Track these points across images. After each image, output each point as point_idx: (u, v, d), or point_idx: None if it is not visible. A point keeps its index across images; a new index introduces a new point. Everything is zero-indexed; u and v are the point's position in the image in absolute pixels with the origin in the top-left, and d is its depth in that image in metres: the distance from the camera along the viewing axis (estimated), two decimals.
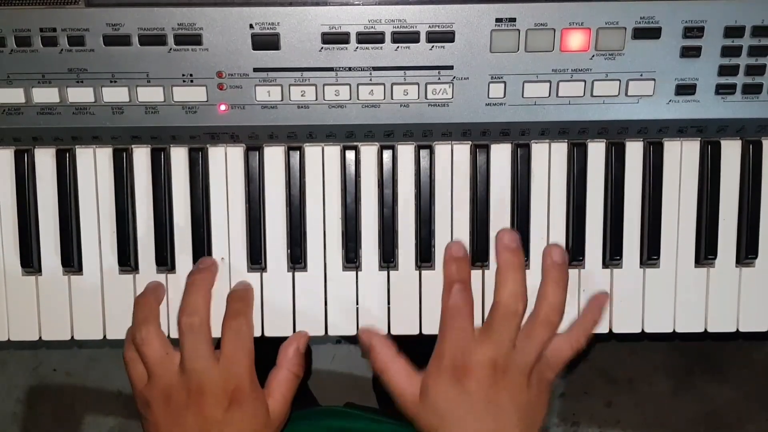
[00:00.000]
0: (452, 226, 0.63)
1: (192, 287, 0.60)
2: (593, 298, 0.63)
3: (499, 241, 0.60)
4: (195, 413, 0.57)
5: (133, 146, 0.62)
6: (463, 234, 0.63)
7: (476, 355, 0.57)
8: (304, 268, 0.63)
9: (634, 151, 0.63)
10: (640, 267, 0.64)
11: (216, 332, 0.60)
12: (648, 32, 0.58)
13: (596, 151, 0.63)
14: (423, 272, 0.64)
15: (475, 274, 0.63)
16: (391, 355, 0.60)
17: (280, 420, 0.61)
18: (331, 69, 0.59)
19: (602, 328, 0.64)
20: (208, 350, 0.58)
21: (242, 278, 0.63)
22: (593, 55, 0.59)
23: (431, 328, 0.63)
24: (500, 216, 0.63)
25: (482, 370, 0.57)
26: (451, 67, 0.59)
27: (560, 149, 0.63)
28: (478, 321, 0.61)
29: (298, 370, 0.61)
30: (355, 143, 0.62)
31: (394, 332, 0.64)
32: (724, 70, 0.59)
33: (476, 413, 0.57)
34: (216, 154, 0.63)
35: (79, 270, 0.63)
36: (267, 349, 0.64)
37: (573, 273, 0.64)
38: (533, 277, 0.62)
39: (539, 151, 0.63)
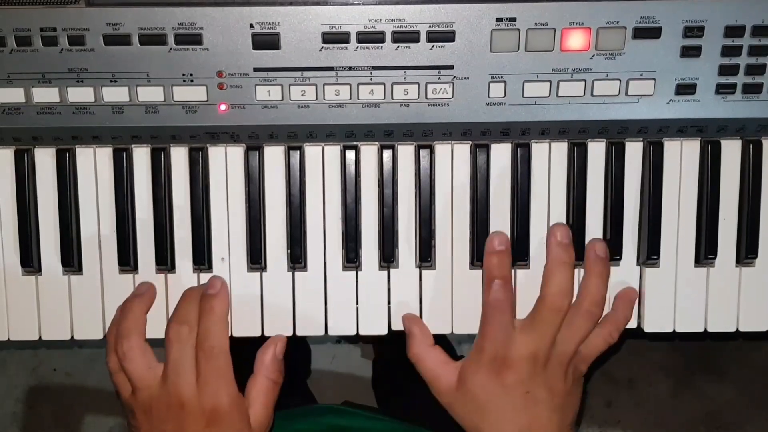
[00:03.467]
0: (452, 226, 0.63)
1: (188, 297, 0.60)
2: (623, 293, 0.63)
3: (552, 235, 0.61)
4: (175, 427, 0.57)
5: (133, 146, 0.62)
6: (463, 234, 0.63)
7: (517, 348, 0.58)
8: (304, 267, 0.63)
9: (634, 151, 0.63)
10: (640, 266, 0.64)
11: None
12: (648, 32, 0.58)
13: (596, 151, 0.63)
14: (423, 272, 0.64)
15: (476, 274, 0.63)
16: (428, 344, 0.62)
17: (262, 428, 0.60)
18: (331, 69, 0.59)
19: (630, 323, 0.64)
20: (191, 363, 0.58)
21: (242, 278, 0.63)
22: (593, 55, 0.59)
23: (432, 327, 0.63)
24: (500, 216, 0.63)
25: (522, 363, 0.58)
26: (451, 67, 0.59)
27: (560, 149, 0.63)
28: (477, 318, 0.61)
29: (277, 376, 0.61)
30: (355, 143, 0.62)
31: (393, 331, 0.64)
32: (724, 70, 0.59)
33: (514, 405, 0.58)
34: (216, 154, 0.63)
35: (79, 270, 0.63)
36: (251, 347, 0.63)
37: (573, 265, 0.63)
38: (533, 276, 0.62)
39: (539, 150, 0.63)
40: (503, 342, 0.58)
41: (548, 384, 0.58)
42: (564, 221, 0.63)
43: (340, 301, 0.64)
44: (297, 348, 1.28)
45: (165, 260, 0.63)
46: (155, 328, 0.61)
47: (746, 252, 0.63)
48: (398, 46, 0.58)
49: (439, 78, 0.59)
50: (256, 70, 0.59)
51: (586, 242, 0.63)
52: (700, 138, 0.63)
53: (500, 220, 0.63)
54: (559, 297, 0.59)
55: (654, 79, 0.59)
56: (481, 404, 0.59)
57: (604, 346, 0.61)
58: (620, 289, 0.63)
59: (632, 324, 0.64)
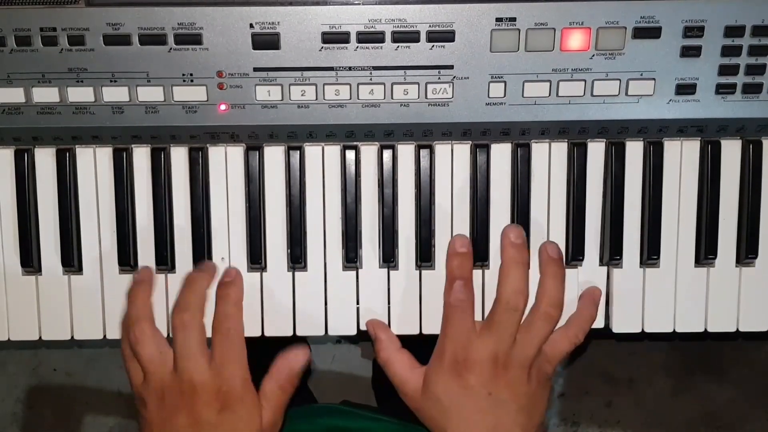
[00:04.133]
0: (452, 226, 0.63)
1: (187, 285, 0.60)
2: (586, 293, 0.63)
3: (505, 236, 0.61)
4: (187, 414, 0.57)
5: (133, 146, 0.62)
6: (463, 233, 0.63)
7: (477, 349, 0.58)
8: (304, 267, 0.63)
9: (634, 151, 0.63)
10: (640, 267, 0.64)
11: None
12: (648, 32, 0.58)
13: (596, 151, 0.63)
14: (423, 272, 0.64)
15: (476, 274, 0.63)
16: (395, 348, 0.62)
17: (273, 426, 0.60)
18: (331, 69, 0.59)
19: (597, 323, 0.64)
20: (200, 348, 0.58)
21: (243, 279, 0.63)
22: (593, 55, 0.59)
23: (431, 327, 0.63)
24: (500, 216, 0.63)
25: (483, 364, 0.58)
26: (451, 67, 0.59)
27: (560, 149, 0.63)
28: (478, 317, 0.61)
29: (290, 388, 0.61)
30: (355, 143, 0.62)
31: (394, 332, 0.64)
32: (724, 70, 0.59)
33: (477, 406, 0.58)
34: (216, 154, 0.63)
35: (79, 270, 0.63)
36: (267, 348, 0.64)
37: (573, 272, 0.64)
38: (531, 275, 0.62)
39: (539, 150, 0.63)
40: (464, 343, 0.58)
41: (510, 385, 0.58)
42: (564, 221, 0.63)
43: (340, 301, 0.64)
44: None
45: (165, 260, 0.63)
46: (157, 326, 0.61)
47: (746, 252, 0.63)
48: (398, 46, 0.58)
49: (439, 78, 0.59)
50: (256, 70, 0.59)
51: (586, 243, 0.63)
52: (700, 138, 0.63)
53: (500, 220, 0.63)
54: (513, 296, 0.59)
55: (654, 79, 0.59)
56: (446, 407, 0.59)
57: (569, 347, 0.61)
58: (584, 289, 0.63)
59: (635, 327, 0.64)
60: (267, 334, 0.64)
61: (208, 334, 0.60)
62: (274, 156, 0.62)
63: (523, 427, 0.59)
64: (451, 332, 0.59)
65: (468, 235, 0.63)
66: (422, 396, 0.60)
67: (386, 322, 0.64)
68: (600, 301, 0.64)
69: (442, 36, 0.58)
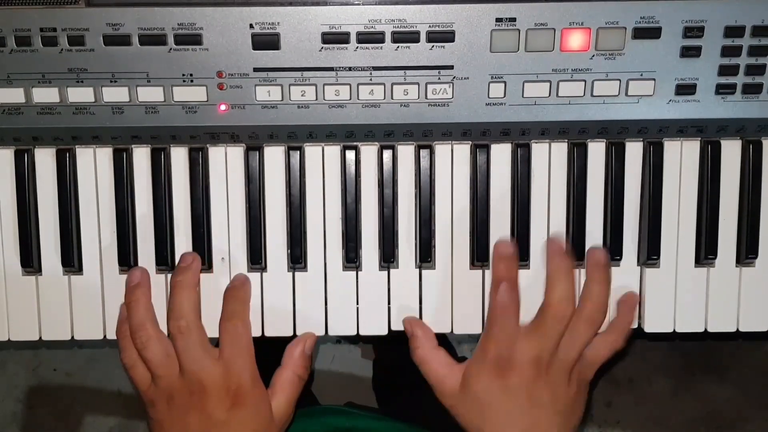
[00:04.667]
0: (452, 226, 0.63)
1: (175, 290, 0.60)
2: (625, 298, 0.63)
3: (550, 245, 0.61)
4: (198, 413, 0.58)
5: (133, 146, 0.62)
6: (463, 234, 0.63)
7: (521, 351, 0.58)
8: (304, 268, 0.63)
9: (634, 151, 0.63)
10: (640, 267, 0.64)
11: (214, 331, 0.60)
12: (648, 32, 0.58)
13: (596, 151, 0.63)
14: (423, 272, 0.64)
15: (476, 274, 0.63)
16: (431, 346, 0.62)
17: (284, 420, 0.61)
18: (331, 69, 0.59)
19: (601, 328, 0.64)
20: (202, 351, 0.58)
21: (250, 282, 0.63)
22: (593, 55, 0.59)
23: (432, 327, 0.63)
24: (500, 216, 0.63)
25: (526, 366, 0.58)
26: (451, 67, 0.59)
27: (560, 149, 0.63)
28: (475, 321, 0.61)
29: (303, 372, 0.62)
30: (355, 143, 0.62)
31: (394, 331, 0.64)
32: (724, 70, 0.59)
33: (517, 407, 0.58)
34: (216, 154, 0.63)
35: (79, 270, 0.63)
36: (269, 349, 0.64)
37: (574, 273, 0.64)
38: (532, 276, 0.63)
39: (539, 150, 0.63)
40: (507, 344, 0.59)
41: (551, 388, 0.59)
42: (564, 221, 0.63)
43: (340, 301, 0.64)
44: None
45: (165, 260, 0.63)
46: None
47: (746, 252, 0.63)
48: (398, 47, 0.58)
49: (439, 78, 0.59)
50: (256, 70, 0.59)
51: (586, 243, 0.63)
52: (700, 138, 0.63)
53: (500, 220, 0.63)
54: (562, 305, 0.59)
55: (654, 79, 0.59)
56: (484, 406, 0.59)
57: (610, 353, 0.62)
58: (622, 294, 0.63)
59: (635, 327, 0.64)
60: (267, 334, 0.64)
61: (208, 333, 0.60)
62: (274, 156, 0.62)
63: (558, 429, 0.59)
64: (496, 333, 0.59)
65: (468, 235, 0.63)
66: (460, 393, 0.60)
67: (386, 323, 0.64)
68: (637, 305, 0.64)
69: (442, 36, 0.58)
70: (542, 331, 0.58)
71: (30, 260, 0.63)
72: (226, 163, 0.63)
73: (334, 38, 0.58)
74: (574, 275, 0.60)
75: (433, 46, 0.58)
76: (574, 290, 0.60)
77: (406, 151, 0.63)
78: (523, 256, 0.63)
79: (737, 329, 0.65)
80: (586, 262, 0.62)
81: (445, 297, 0.64)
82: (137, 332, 0.59)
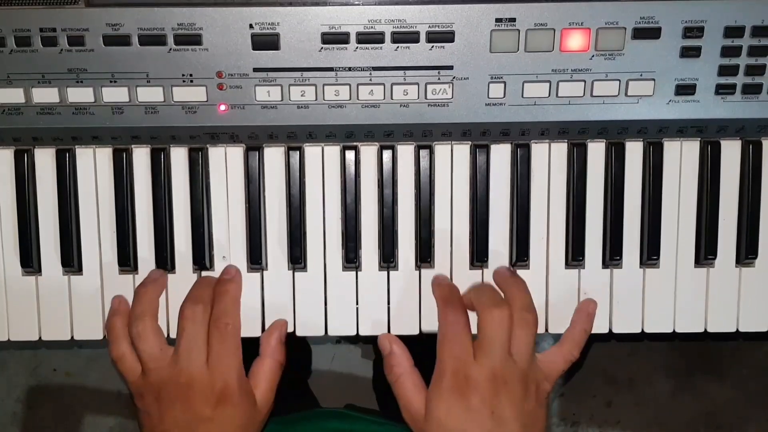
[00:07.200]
0: (452, 226, 0.63)
1: (203, 282, 0.61)
2: (580, 307, 0.63)
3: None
4: (184, 408, 0.58)
5: (133, 146, 0.62)
6: (463, 234, 0.63)
7: (475, 368, 0.57)
8: (304, 268, 0.63)
9: (634, 151, 0.63)
10: (640, 267, 0.64)
11: None
12: (648, 32, 0.58)
13: (596, 151, 0.63)
14: (423, 272, 0.64)
15: (476, 274, 0.63)
16: (406, 367, 0.61)
17: (266, 408, 0.61)
18: (331, 69, 0.59)
19: (601, 328, 0.64)
20: (202, 342, 0.59)
21: (242, 278, 0.63)
22: (593, 55, 0.59)
23: (431, 327, 0.63)
24: (500, 216, 0.63)
25: (483, 382, 0.57)
26: (451, 67, 0.59)
27: (560, 149, 0.63)
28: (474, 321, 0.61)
29: (282, 357, 0.62)
30: (355, 143, 0.62)
31: (393, 332, 0.64)
32: (724, 70, 0.59)
33: (481, 427, 0.57)
34: (216, 154, 0.63)
35: (79, 270, 0.63)
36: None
37: (573, 273, 0.64)
38: (534, 277, 0.63)
39: (539, 151, 0.63)
40: (463, 363, 0.58)
41: (512, 402, 0.57)
42: (564, 221, 0.63)
43: (339, 301, 0.64)
44: (297, 348, 1.28)
45: (165, 260, 0.63)
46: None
47: (746, 252, 0.63)
48: (398, 47, 0.58)
49: (439, 78, 0.59)
50: (255, 70, 0.59)
51: (586, 243, 0.63)
52: (699, 138, 0.63)
53: (500, 220, 0.63)
54: (493, 309, 0.58)
55: (654, 79, 0.59)
56: (449, 430, 0.57)
57: (565, 365, 0.61)
58: (579, 303, 0.63)
59: (635, 327, 0.64)
60: None
61: None
62: (273, 156, 0.62)
63: None
64: (449, 354, 0.58)
65: (468, 235, 0.63)
66: (425, 420, 0.58)
67: (386, 322, 0.64)
68: (595, 313, 0.63)
69: (441, 36, 0.58)
70: (487, 342, 0.57)
71: (30, 260, 0.63)
72: (225, 164, 0.63)
73: (333, 38, 0.58)
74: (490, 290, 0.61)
75: (432, 47, 0.58)
76: (498, 294, 0.60)
77: (405, 151, 0.63)
78: (522, 256, 0.63)
79: (737, 329, 0.65)
80: (493, 277, 0.63)
81: None
82: (136, 321, 0.60)
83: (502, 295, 0.61)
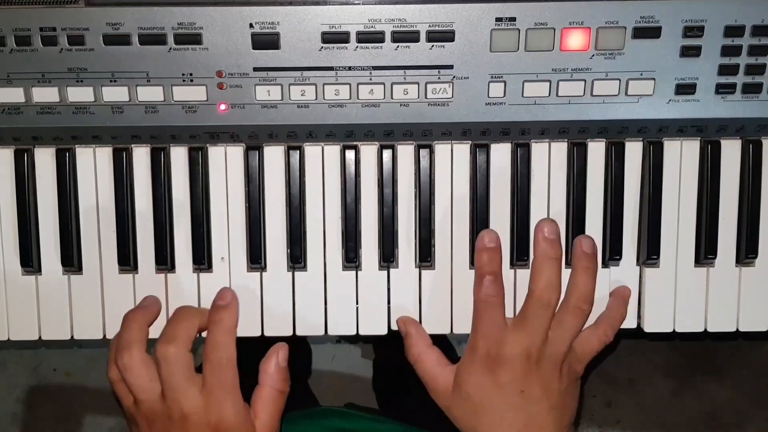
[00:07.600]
0: (452, 225, 0.63)
1: (177, 316, 0.59)
2: (617, 291, 0.63)
3: (539, 230, 0.60)
4: None
5: (133, 146, 0.62)
6: (463, 234, 0.63)
7: (510, 345, 0.58)
8: (304, 267, 0.63)
9: (634, 151, 0.63)
10: (640, 266, 0.64)
11: None
12: (648, 32, 0.58)
13: (596, 151, 0.63)
14: (423, 272, 0.64)
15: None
16: (426, 345, 0.61)
17: None
18: (331, 68, 0.59)
19: (629, 323, 0.64)
20: (186, 379, 0.56)
21: (242, 278, 0.63)
22: (593, 55, 0.59)
23: (432, 327, 0.63)
24: (500, 216, 0.63)
25: (516, 360, 0.57)
26: (451, 67, 0.59)
27: (560, 149, 0.63)
28: (468, 318, 0.61)
29: (282, 385, 0.59)
30: (355, 143, 0.62)
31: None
32: (724, 70, 0.59)
33: (510, 403, 0.58)
34: (216, 154, 0.63)
35: (79, 270, 0.63)
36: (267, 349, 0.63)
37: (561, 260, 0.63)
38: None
39: (539, 150, 0.63)
40: (496, 339, 0.58)
41: (543, 382, 0.58)
42: (564, 221, 0.63)
43: (340, 301, 0.64)
44: (297, 348, 1.28)
45: (165, 260, 0.63)
46: (154, 330, 0.61)
47: (746, 252, 0.63)
48: (398, 46, 0.58)
49: (439, 78, 0.59)
50: (255, 69, 0.59)
51: None
52: (699, 138, 0.63)
53: (500, 220, 0.63)
54: (546, 292, 0.58)
55: (654, 79, 0.59)
56: (477, 405, 0.58)
57: (599, 346, 0.61)
58: (614, 288, 0.63)
59: (632, 324, 0.64)
60: (267, 334, 0.64)
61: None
62: (273, 156, 0.62)
63: (554, 425, 0.58)
64: (483, 328, 0.58)
65: (468, 235, 0.63)
66: (453, 393, 0.59)
67: (386, 323, 0.64)
68: (629, 300, 0.63)
69: (441, 36, 0.58)
70: (528, 322, 0.58)
71: (30, 260, 0.63)
72: (225, 163, 0.63)
73: (333, 38, 0.58)
74: (561, 263, 0.60)
75: (432, 46, 0.58)
76: (560, 278, 0.59)
77: (405, 151, 0.63)
78: (522, 256, 0.63)
79: (737, 329, 0.65)
80: (572, 251, 0.61)
81: (444, 297, 0.64)
82: (123, 352, 0.57)
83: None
